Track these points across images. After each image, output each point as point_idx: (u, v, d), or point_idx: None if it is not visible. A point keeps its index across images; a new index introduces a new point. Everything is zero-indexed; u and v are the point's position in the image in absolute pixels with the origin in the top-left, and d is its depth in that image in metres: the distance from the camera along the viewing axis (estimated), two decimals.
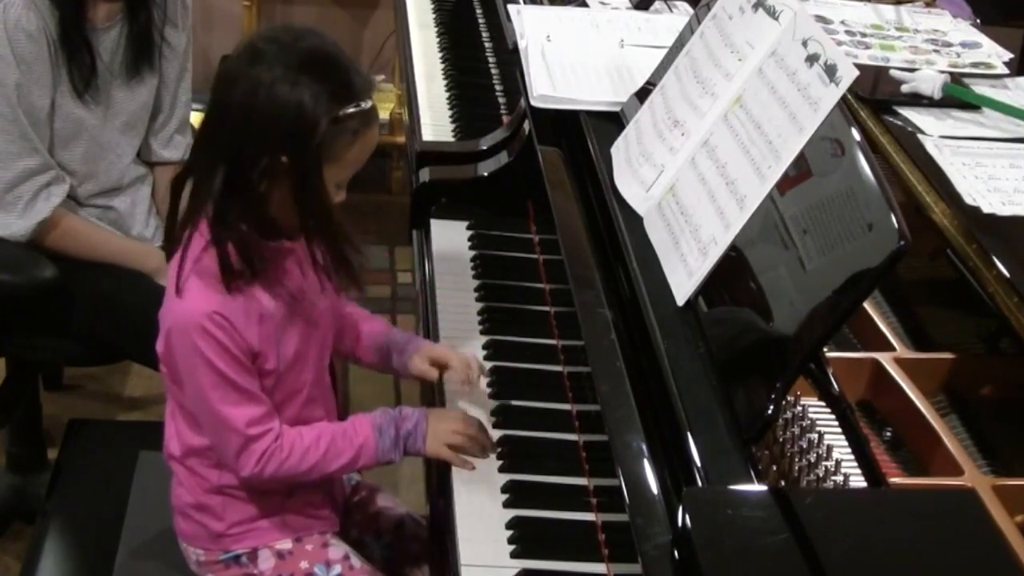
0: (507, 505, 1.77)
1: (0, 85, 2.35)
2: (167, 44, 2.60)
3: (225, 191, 1.68)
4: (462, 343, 2.06)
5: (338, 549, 1.89)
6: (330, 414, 1.91)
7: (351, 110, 1.66)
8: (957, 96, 2.12)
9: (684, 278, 1.70)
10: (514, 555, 1.70)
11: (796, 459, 1.57)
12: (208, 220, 1.70)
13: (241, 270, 1.70)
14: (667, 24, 2.43)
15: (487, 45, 3.06)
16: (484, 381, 1.99)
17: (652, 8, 2.57)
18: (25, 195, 2.42)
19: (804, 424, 1.63)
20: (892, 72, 2.19)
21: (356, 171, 1.74)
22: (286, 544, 1.87)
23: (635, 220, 1.87)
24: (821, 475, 1.55)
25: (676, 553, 1.37)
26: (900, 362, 1.71)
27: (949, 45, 2.34)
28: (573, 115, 2.14)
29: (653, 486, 1.53)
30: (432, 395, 2.00)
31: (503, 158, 2.40)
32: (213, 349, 1.69)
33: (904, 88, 2.14)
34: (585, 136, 2.09)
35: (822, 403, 1.63)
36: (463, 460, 1.82)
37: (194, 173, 1.74)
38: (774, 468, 1.57)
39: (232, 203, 1.69)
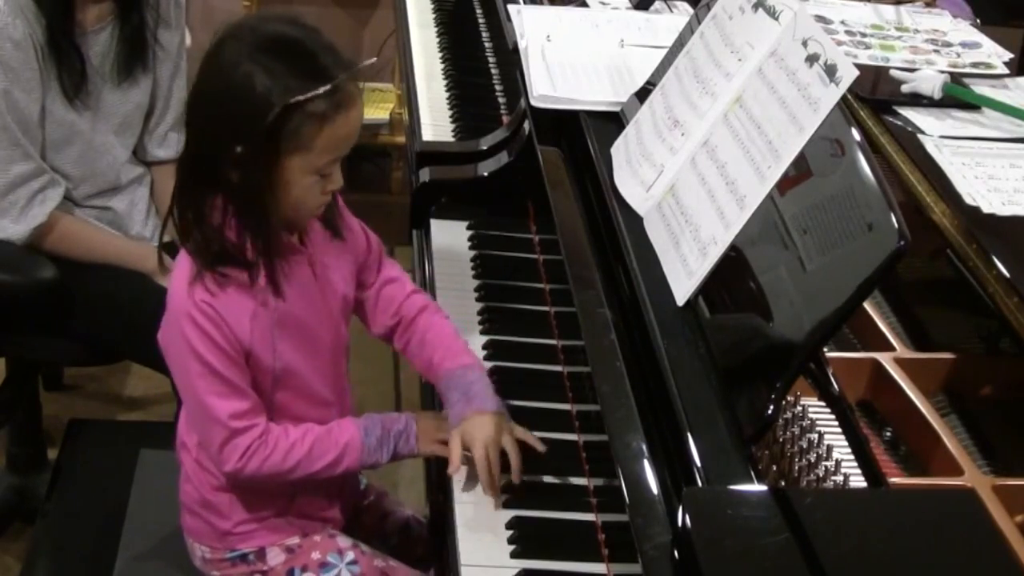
0: (507, 505, 1.77)
1: None
2: (160, 45, 2.58)
3: (193, 178, 1.68)
4: None
5: (345, 538, 1.90)
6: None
7: (308, 96, 1.59)
8: (957, 96, 2.12)
9: (684, 278, 1.70)
10: (514, 555, 1.70)
11: (796, 459, 1.57)
12: (175, 205, 1.70)
13: (205, 256, 1.69)
14: (667, 24, 2.43)
15: (487, 45, 3.06)
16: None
17: (652, 8, 2.56)
18: (20, 201, 2.41)
19: (804, 424, 1.63)
20: (892, 72, 2.19)
21: (340, 155, 1.68)
22: (293, 539, 1.87)
23: (635, 220, 1.87)
24: (821, 475, 1.55)
25: (676, 553, 1.37)
26: (900, 362, 1.71)
27: (949, 45, 2.34)
28: (573, 115, 2.14)
29: (653, 486, 1.53)
30: (432, 398, 2.00)
31: (503, 158, 2.40)
32: (200, 339, 1.69)
33: (904, 88, 2.14)
34: (585, 136, 2.09)
35: (822, 403, 1.63)
36: (459, 452, 1.80)
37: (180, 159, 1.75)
38: (774, 468, 1.57)
39: (200, 193, 1.68)
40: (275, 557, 1.86)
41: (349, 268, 1.86)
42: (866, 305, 1.77)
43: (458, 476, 1.80)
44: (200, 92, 1.67)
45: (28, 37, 2.35)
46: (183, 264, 1.73)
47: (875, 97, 2.12)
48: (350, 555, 1.87)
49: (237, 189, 1.65)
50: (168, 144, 2.68)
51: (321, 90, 1.60)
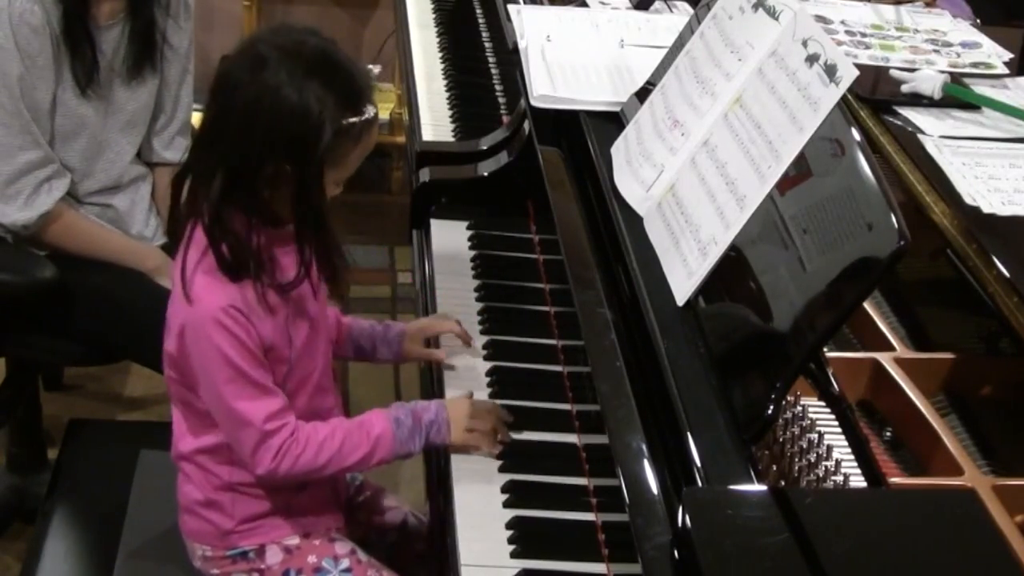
0: (507, 505, 1.77)
1: (3, 76, 2.36)
2: (168, 45, 2.61)
3: (223, 195, 1.69)
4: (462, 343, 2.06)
5: (344, 544, 1.90)
6: (338, 404, 1.92)
7: (354, 120, 1.68)
8: (957, 96, 2.12)
9: (684, 278, 1.70)
10: (514, 555, 1.70)
11: (796, 459, 1.57)
12: (203, 221, 1.71)
13: (238, 267, 1.71)
14: (667, 24, 2.43)
15: (487, 45, 3.06)
16: (485, 380, 1.99)
17: (652, 8, 2.56)
18: (26, 188, 2.43)
19: (804, 424, 1.63)
20: (892, 72, 2.19)
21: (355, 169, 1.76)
22: (293, 540, 1.87)
23: (635, 220, 1.87)
24: (821, 475, 1.55)
25: (676, 553, 1.37)
26: (900, 362, 1.71)
27: (949, 45, 2.34)
28: (573, 115, 2.14)
29: (653, 486, 1.53)
30: (431, 392, 2.00)
31: (503, 158, 2.40)
32: (230, 343, 1.70)
33: (904, 88, 2.14)
34: (585, 136, 2.09)
35: (822, 403, 1.63)
36: (490, 443, 1.83)
37: (193, 174, 1.75)
38: (774, 468, 1.57)
39: (231, 206, 1.70)
40: (273, 556, 1.86)
41: None
42: (866, 305, 1.77)
43: (458, 477, 1.80)
44: (235, 109, 1.67)
45: (45, 24, 2.37)
46: (201, 274, 1.72)
47: (875, 97, 2.12)
48: (345, 562, 1.87)
49: (294, 203, 1.70)
50: (175, 147, 2.71)
51: (367, 114, 1.70)
